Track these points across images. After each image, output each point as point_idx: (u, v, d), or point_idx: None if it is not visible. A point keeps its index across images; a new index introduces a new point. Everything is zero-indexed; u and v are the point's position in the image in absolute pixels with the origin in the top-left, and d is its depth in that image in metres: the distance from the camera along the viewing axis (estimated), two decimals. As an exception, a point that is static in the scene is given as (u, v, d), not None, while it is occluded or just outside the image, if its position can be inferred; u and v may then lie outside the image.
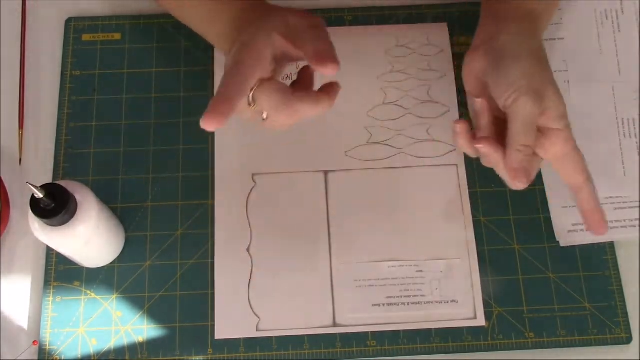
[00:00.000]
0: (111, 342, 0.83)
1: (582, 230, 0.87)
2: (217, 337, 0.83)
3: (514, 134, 0.72)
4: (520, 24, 0.77)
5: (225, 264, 0.86)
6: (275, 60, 0.72)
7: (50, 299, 0.84)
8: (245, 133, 0.90)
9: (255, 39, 0.71)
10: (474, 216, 0.88)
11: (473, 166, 0.89)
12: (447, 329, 0.83)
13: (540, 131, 0.73)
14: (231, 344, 0.83)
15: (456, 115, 0.91)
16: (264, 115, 0.72)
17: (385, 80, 0.93)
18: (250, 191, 0.88)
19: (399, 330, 0.84)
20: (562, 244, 0.87)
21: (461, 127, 0.74)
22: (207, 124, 0.67)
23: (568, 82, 0.93)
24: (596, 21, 0.96)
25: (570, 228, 0.87)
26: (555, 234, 0.87)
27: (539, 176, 0.89)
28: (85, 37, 0.95)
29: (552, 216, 0.88)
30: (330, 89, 0.74)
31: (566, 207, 0.88)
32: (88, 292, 0.85)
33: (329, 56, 0.71)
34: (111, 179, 0.89)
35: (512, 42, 0.75)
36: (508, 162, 0.72)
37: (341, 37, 0.94)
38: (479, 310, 0.84)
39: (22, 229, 0.87)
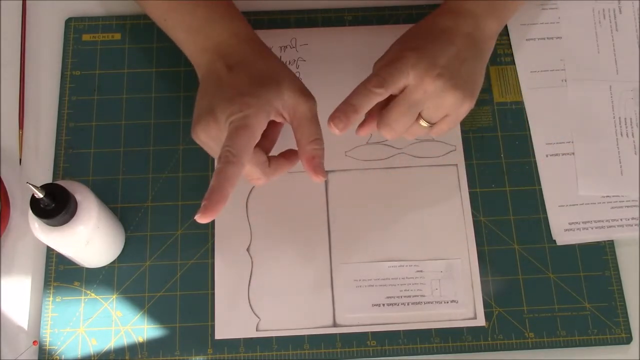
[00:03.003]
0: (111, 342, 0.83)
1: (578, 229, 0.87)
2: (217, 337, 0.83)
3: None
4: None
5: (225, 264, 0.86)
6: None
7: (50, 299, 0.84)
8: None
9: (251, 119, 0.71)
10: (474, 216, 0.88)
11: (473, 166, 0.90)
12: (447, 329, 0.84)
13: None
14: (231, 344, 0.83)
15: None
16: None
17: (385, 81, 0.93)
18: (250, 191, 0.88)
19: (399, 330, 0.84)
20: (559, 242, 0.87)
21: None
22: (204, 218, 0.67)
23: (565, 80, 0.94)
24: (594, 20, 0.96)
25: (566, 227, 0.87)
26: (552, 233, 0.87)
27: (537, 176, 0.89)
28: (85, 37, 0.95)
29: (548, 215, 0.88)
30: (290, 155, 0.78)
31: (563, 205, 0.88)
32: (88, 292, 0.85)
33: (321, 168, 0.74)
34: (111, 179, 0.89)
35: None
36: None
37: (341, 37, 0.95)
38: (479, 310, 0.84)
39: (22, 229, 0.87)
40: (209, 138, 0.74)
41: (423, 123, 0.78)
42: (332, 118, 0.74)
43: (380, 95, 0.74)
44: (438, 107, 0.76)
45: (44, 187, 0.70)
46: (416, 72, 0.74)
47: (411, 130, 0.79)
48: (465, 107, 0.77)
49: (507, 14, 0.86)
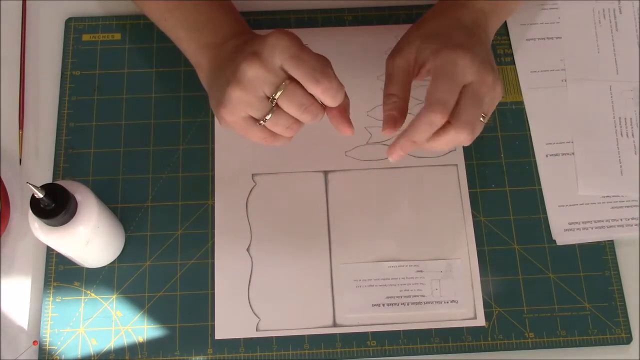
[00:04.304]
0: (111, 342, 0.83)
1: (578, 229, 0.87)
2: (217, 337, 0.83)
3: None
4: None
5: (225, 264, 0.86)
6: None
7: (50, 299, 0.84)
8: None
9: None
10: (474, 216, 0.88)
11: (473, 166, 0.90)
12: (447, 329, 0.84)
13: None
14: (231, 344, 0.83)
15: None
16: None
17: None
18: (250, 191, 0.88)
19: (399, 330, 0.84)
20: (559, 242, 0.87)
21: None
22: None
23: (565, 80, 0.94)
24: (594, 20, 0.96)
25: (566, 227, 0.87)
26: (552, 233, 0.87)
27: (537, 176, 0.89)
28: (85, 37, 0.95)
29: (548, 215, 0.88)
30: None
31: (563, 205, 0.88)
32: (88, 292, 0.85)
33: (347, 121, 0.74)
34: (111, 179, 0.89)
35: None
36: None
37: (341, 37, 0.95)
38: (479, 310, 0.84)
39: (22, 229, 0.87)
40: (252, 89, 0.71)
41: (482, 118, 0.75)
42: (391, 153, 0.74)
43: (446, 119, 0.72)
44: (492, 99, 0.75)
45: (44, 187, 0.70)
46: (475, 70, 0.73)
47: (476, 128, 0.75)
48: (500, 97, 0.77)
49: (507, 13, 0.86)
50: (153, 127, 0.91)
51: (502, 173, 0.90)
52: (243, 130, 0.74)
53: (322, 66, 0.70)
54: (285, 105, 0.71)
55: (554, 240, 0.87)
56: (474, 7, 0.80)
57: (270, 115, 0.71)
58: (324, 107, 0.73)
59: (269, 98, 0.71)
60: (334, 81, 0.70)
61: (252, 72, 0.69)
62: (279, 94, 0.70)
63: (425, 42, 0.77)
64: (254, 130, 0.74)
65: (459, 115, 0.71)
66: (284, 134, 0.74)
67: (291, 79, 0.70)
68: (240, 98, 0.71)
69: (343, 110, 0.73)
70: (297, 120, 0.72)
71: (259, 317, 0.84)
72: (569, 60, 0.95)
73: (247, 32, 0.80)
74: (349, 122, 0.74)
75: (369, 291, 0.85)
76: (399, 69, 0.77)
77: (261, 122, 0.72)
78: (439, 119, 0.70)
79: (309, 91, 0.70)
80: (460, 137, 0.72)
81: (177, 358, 0.82)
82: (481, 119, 0.74)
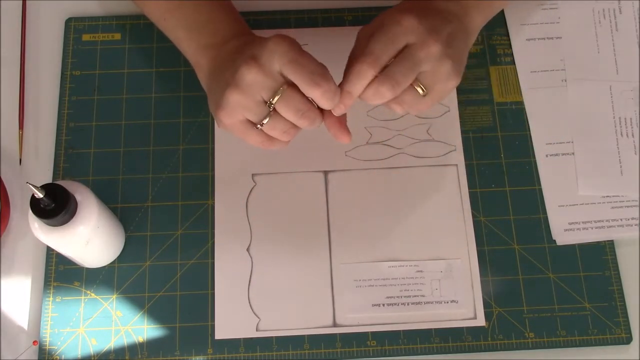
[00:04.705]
0: (111, 342, 0.83)
1: (578, 229, 0.87)
2: (217, 337, 0.83)
3: None
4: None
5: (225, 264, 0.86)
6: None
7: (50, 299, 0.84)
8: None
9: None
10: (474, 216, 0.88)
11: (473, 166, 0.90)
12: (447, 329, 0.84)
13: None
14: (231, 344, 0.83)
15: (456, 114, 0.92)
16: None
17: (385, 81, 0.93)
18: (250, 191, 0.88)
19: (399, 330, 0.84)
20: (559, 242, 0.87)
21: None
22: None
23: (565, 80, 0.94)
24: (594, 20, 0.96)
25: (566, 227, 0.87)
26: (552, 233, 0.87)
27: (537, 176, 0.89)
28: (85, 37, 0.95)
29: (548, 215, 0.88)
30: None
31: (563, 205, 0.88)
32: (88, 292, 0.85)
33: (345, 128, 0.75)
34: (111, 179, 0.89)
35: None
36: None
37: (341, 37, 0.95)
38: (479, 310, 0.84)
39: (22, 229, 0.87)
40: (250, 93, 0.71)
41: (419, 89, 0.74)
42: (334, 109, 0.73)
43: (376, 72, 0.72)
44: (435, 73, 0.74)
45: (44, 187, 0.70)
46: (419, 33, 0.72)
47: (406, 95, 0.74)
48: (451, 84, 0.75)
49: (492, 11, 0.85)
50: (153, 127, 0.91)
51: (502, 173, 0.90)
52: (241, 133, 0.75)
53: (322, 70, 0.70)
54: (282, 110, 0.71)
55: (554, 240, 0.87)
56: None
57: (267, 120, 0.72)
58: (321, 113, 0.73)
59: (266, 102, 0.71)
60: (332, 85, 0.70)
61: (250, 76, 0.70)
62: (276, 98, 0.70)
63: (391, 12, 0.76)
64: (251, 134, 0.74)
65: (387, 69, 0.71)
66: (280, 138, 0.74)
67: (289, 84, 0.71)
68: (238, 102, 0.71)
69: (341, 117, 0.74)
70: (294, 125, 0.73)
71: (259, 317, 0.84)
72: (569, 60, 0.95)
73: (247, 33, 0.80)
74: (346, 129, 0.74)
75: (369, 291, 0.85)
76: (364, 35, 0.76)
77: (258, 125, 0.73)
78: (364, 69, 0.70)
79: (308, 95, 0.70)
80: (381, 90, 0.71)
81: (177, 358, 0.83)
82: (419, 90, 0.73)
